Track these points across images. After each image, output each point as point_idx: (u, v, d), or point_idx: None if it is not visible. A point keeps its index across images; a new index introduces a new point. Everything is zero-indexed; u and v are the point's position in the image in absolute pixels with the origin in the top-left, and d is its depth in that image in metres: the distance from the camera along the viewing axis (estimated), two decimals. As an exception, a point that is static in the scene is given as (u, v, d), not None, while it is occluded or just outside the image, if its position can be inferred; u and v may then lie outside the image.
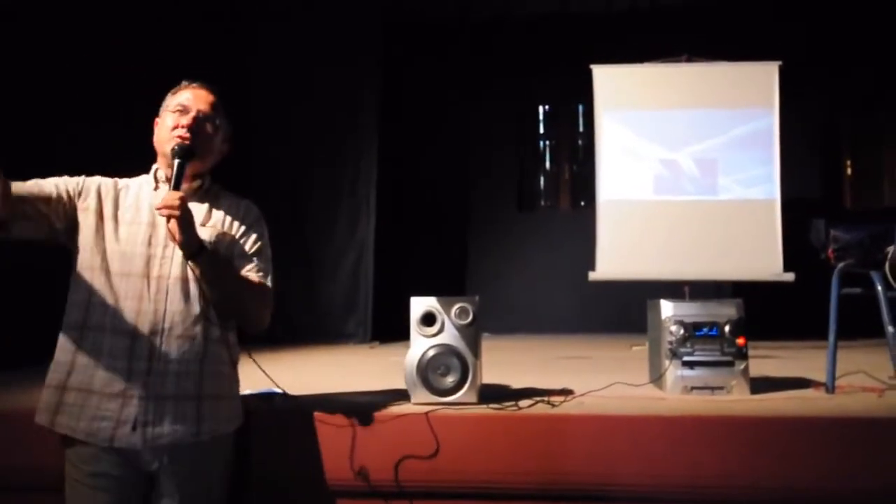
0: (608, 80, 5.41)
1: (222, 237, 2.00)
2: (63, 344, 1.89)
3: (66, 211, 1.92)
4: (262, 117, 5.94)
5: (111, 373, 1.82)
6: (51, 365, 1.89)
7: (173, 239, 1.86)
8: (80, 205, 1.94)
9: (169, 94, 2.05)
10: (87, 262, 1.90)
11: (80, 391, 1.84)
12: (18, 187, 1.86)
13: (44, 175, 2.00)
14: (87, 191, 1.96)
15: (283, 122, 5.93)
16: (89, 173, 2.03)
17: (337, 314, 5.86)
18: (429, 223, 6.78)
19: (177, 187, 1.88)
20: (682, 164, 5.26)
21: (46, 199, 1.90)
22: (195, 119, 1.97)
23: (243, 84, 5.87)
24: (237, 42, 5.84)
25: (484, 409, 2.28)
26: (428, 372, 2.33)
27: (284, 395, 2.44)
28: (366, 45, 6.03)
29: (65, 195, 1.92)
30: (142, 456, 1.85)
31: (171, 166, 1.91)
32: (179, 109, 1.98)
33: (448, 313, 2.37)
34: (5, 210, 1.78)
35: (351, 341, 5.72)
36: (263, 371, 2.18)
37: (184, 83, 2.06)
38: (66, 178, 1.97)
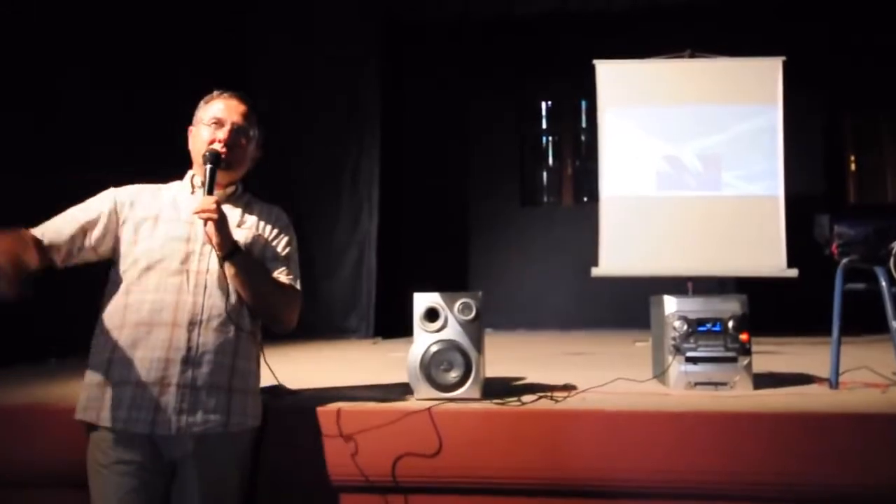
0: (611, 75, 5.40)
1: (257, 239, 2.10)
2: (100, 344, 1.96)
3: (108, 234, 2.02)
4: (262, 113, 5.91)
5: (150, 363, 1.90)
6: (90, 364, 1.97)
7: (210, 241, 1.95)
8: (119, 220, 2.04)
9: (201, 103, 2.14)
10: (126, 265, 1.99)
11: (120, 384, 1.90)
12: (58, 230, 1.97)
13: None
14: (121, 205, 2.06)
15: (283, 119, 5.92)
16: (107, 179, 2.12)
17: (339, 310, 5.87)
18: (431, 219, 6.78)
19: (210, 191, 1.98)
20: (685, 159, 5.25)
21: (86, 232, 2.00)
22: (231, 132, 2.07)
23: (242, 79, 5.86)
24: (236, 38, 5.84)
25: (487, 405, 2.28)
26: (431, 367, 2.33)
27: (286, 390, 2.45)
28: (368, 40, 6.02)
29: (104, 220, 2.02)
30: (172, 443, 1.90)
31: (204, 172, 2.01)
32: (215, 122, 2.07)
33: (451, 309, 2.37)
34: (42, 263, 1.91)
35: (353, 337, 5.74)
36: (269, 367, 2.18)
37: (216, 93, 2.15)
38: (98, 203, 2.05)
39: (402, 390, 2.43)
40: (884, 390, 2.52)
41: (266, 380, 2.33)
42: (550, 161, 7.51)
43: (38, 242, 1.92)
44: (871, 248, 2.60)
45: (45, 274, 1.98)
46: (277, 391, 2.42)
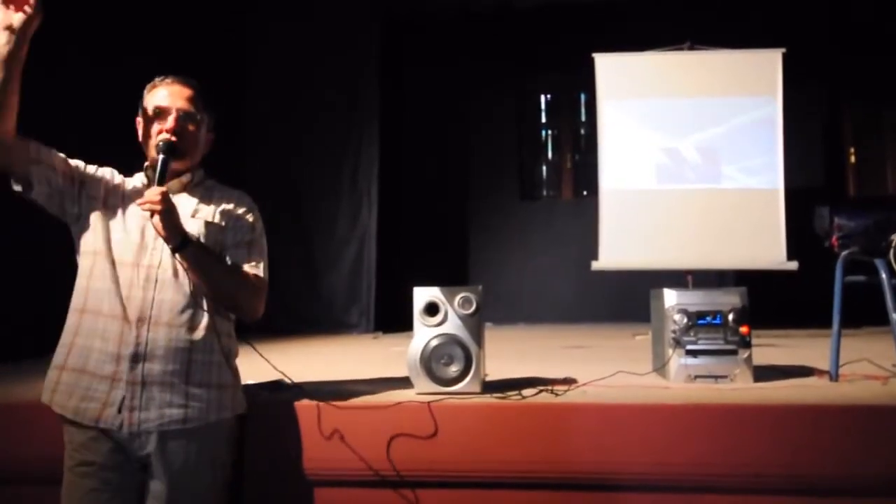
0: (610, 68, 5.39)
1: (213, 228, 2.03)
2: (67, 326, 1.96)
3: (80, 192, 1.99)
4: (261, 108, 5.94)
5: (103, 355, 1.89)
6: (58, 344, 1.96)
7: (158, 232, 1.89)
8: (92, 192, 2.01)
9: (145, 92, 2.06)
10: (90, 247, 1.97)
11: (75, 371, 1.90)
12: (47, 153, 1.95)
13: None
14: (99, 179, 2.03)
15: (282, 114, 5.93)
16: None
17: (340, 305, 5.87)
18: (431, 213, 6.77)
19: (160, 182, 1.91)
20: (685, 152, 5.24)
21: (69, 174, 1.98)
22: (176, 120, 1.99)
23: (241, 75, 5.87)
24: (235, 33, 5.83)
25: (487, 399, 2.28)
26: (431, 361, 2.34)
27: (289, 383, 2.44)
28: (367, 36, 6.01)
29: (84, 177, 2.01)
30: (131, 441, 1.89)
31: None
32: (159, 112, 2.00)
33: (451, 303, 2.36)
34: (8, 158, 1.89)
35: (354, 331, 5.74)
36: (266, 359, 2.18)
37: (157, 79, 2.06)
38: (85, 165, 2.04)
39: (403, 385, 2.43)
40: (884, 382, 2.52)
41: (267, 374, 2.33)
42: (550, 155, 7.50)
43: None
44: (871, 240, 2.60)
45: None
46: (279, 385, 2.42)
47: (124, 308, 1.90)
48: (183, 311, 1.93)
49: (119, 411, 1.86)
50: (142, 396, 1.87)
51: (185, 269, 1.94)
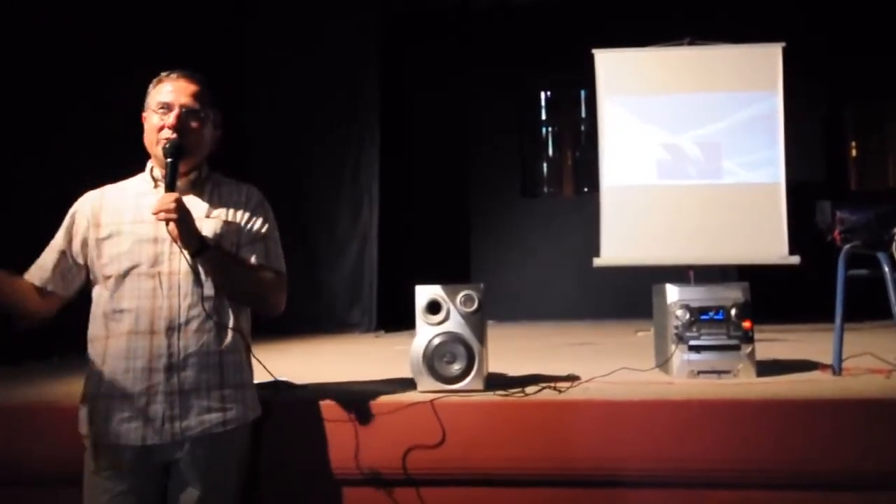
0: (610, 64, 5.38)
1: (227, 228, 2.00)
2: (92, 356, 1.93)
3: (86, 246, 1.98)
4: (261, 108, 5.93)
5: (133, 374, 1.86)
6: (86, 378, 1.95)
7: (175, 240, 1.87)
8: (89, 226, 1.97)
9: (150, 87, 2.02)
10: (101, 273, 1.94)
11: (107, 397, 1.88)
12: (42, 266, 1.99)
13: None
14: (79, 225, 1.99)
15: (283, 113, 5.92)
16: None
17: (342, 304, 5.87)
18: (432, 211, 6.78)
19: (171, 187, 1.88)
20: (686, 148, 5.23)
21: (66, 254, 1.99)
22: (179, 117, 1.95)
23: (242, 75, 5.86)
24: (235, 33, 5.83)
25: (490, 396, 2.28)
26: (434, 360, 2.33)
27: (289, 385, 2.44)
28: (367, 32, 6.01)
29: (77, 236, 1.98)
30: (167, 449, 1.88)
31: (165, 166, 1.91)
32: (163, 107, 1.95)
33: (453, 301, 2.36)
34: (49, 303, 1.99)
35: (356, 330, 5.74)
36: (260, 363, 2.15)
37: (163, 74, 2.02)
38: (67, 221, 2.01)
39: (406, 383, 2.43)
40: (887, 376, 2.51)
41: (265, 373, 2.33)
42: (550, 152, 7.49)
43: (37, 288, 1.96)
44: (874, 233, 2.60)
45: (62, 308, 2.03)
46: (281, 386, 2.42)
47: (151, 320, 1.87)
48: (210, 314, 1.91)
49: (162, 424, 1.85)
50: (181, 405, 1.86)
51: (205, 273, 1.92)
